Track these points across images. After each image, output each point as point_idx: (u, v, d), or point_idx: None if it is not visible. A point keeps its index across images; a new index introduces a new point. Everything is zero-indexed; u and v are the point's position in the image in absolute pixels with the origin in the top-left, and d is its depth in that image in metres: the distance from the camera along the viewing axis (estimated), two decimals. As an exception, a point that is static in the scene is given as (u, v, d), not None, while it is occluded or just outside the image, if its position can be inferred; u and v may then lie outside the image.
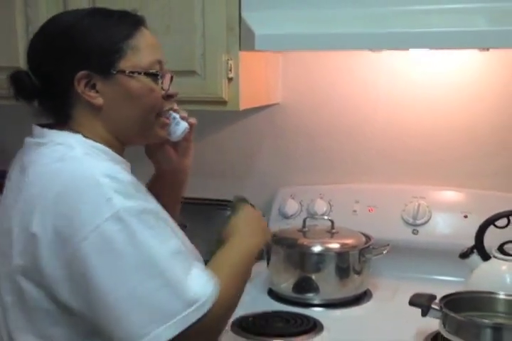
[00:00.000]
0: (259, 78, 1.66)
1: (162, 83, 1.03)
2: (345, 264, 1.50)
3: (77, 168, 0.92)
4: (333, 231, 1.55)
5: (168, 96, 1.05)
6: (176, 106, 1.10)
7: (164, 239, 0.91)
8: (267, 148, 1.83)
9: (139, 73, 0.99)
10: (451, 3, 1.34)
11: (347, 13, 1.34)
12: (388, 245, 1.54)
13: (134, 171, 1.05)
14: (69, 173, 0.92)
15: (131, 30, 1.00)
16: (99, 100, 0.99)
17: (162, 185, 1.19)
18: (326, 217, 1.59)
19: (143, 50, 1.00)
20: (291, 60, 1.76)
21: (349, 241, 1.53)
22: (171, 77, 1.05)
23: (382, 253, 1.52)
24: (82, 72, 0.97)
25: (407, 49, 1.51)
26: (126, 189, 0.91)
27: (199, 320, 0.89)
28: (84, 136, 1.00)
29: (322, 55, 1.72)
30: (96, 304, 0.87)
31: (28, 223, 0.91)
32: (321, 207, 1.71)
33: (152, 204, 0.98)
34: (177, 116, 1.10)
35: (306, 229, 1.57)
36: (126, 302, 0.86)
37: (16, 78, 1.01)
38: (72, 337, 0.93)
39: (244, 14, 1.43)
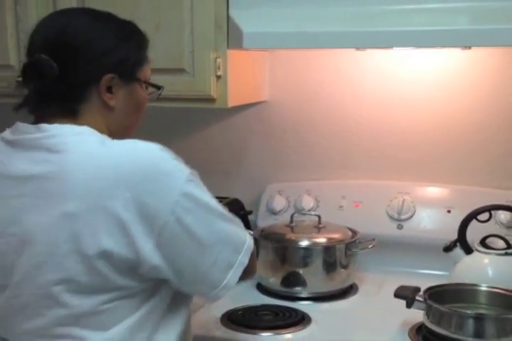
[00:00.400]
0: (246, 76, 1.68)
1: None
2: (331, 258, 1.53)
3: (130, 148, 0.98)
4: (320, 226, 1.58)
5: None
6: None
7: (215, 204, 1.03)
8: (255, 145, 1.86)
9: (149, 84, 1.11)
10: (434, 3, 1.37)
11: (333, 11, 1.37)
12: (374, 240, 1.57)
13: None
14: (128, 154, 0.97)
15: (144, 42, 1.11)
16: (113, 102, 1.06)
17: None
18: (313, 213, 1.62)
19: (150, 63, 1.11)
20: (278, 58, 1.79)
21: (336, 236, 1.56)
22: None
23: (368, 247, 1.55)
24: (108, 76, 1.03)
25: (391, 47, 1.54)
26: (173, 155, 0.99)
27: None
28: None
29: (309, 53, 1.75)
30: (191, 260, 0.99)
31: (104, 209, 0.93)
32: (308, 202, 1.74)
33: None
34: None
35: (294, 224, 1.60)
36: (218, 244, 1.00)
37: (36, 62, 1.01)
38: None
39: (232, 12, 1.45)
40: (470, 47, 1.56)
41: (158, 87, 1.13)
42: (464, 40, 1.37)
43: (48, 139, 0.99)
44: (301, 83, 1.79)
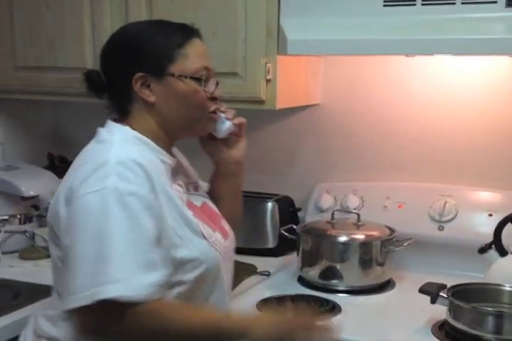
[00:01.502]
0: (297, 80, 1.78)
1: (206, 86, 1.18)
2: (368, 254, 1.60)
3: (102, 149, 1.13)
4: (360, 224, 1.66)
5: (212, 98, 1.20)
6: (223, 108, 1.25)
7: (136, 225, 1.03)
8: (306, 146, 1.96)
9: (185, 77, 1.15)
10: (477, 12, 1.42)
11: (373, 21, 1.45)
12: (411, 239, 1.63)
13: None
14: (93, 152, 1.14)
15: (183, 40, 1.16)
16: (152, 98, 1.16)
17: (217, 176, 1.34)
18: (353, 211, 1.70)
19: (191, 58, 1.16)
20: (331, 63, 1.88)
21: (373, 233, 1.63)
22: (217, 83, 1.21)
23: (403, 245, 1.61)
24: (139, 74, 1.14)
25: (432, 54, 1.60)
26: (127, 173, 1.06)
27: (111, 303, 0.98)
28: (133, 129, 1.17)
29: (360, 59, 1.83)
30: (67, 256, 1.06)
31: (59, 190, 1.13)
32: (353, 202, 1.82)
33: (145, 190, 1.07)
34: (223, 115, 1.25)
35: (335, 221, 1.69)
36: (76, 261, 1.03)
37: (88, 76, 1.20)
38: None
39: (282, 21, 1.57)
40: (517, 55, 1.59)
41: (198, 79, 1.16)
42: (502, 48, 1.42)
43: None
44: (352, 87, 1.87)
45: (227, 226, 1.30)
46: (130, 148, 1.13)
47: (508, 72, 1.69)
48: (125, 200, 1.03)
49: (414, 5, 1.43)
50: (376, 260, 1.61)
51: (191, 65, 1.16)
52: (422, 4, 1.43)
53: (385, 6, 1.46)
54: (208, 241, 1.18)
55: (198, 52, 1.18)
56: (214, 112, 1.22)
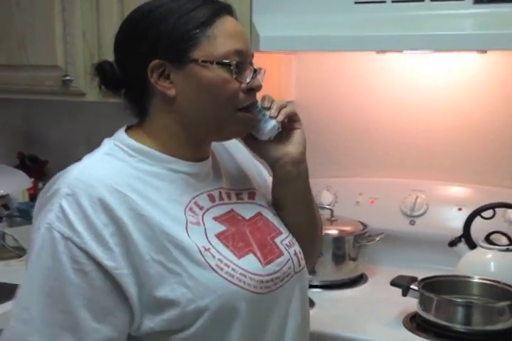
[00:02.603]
0: (270, 77, 1.78)
1: (240, 75, 0.94)
2: (341, 249, 1.62)
3: (70, 168, 0.93)
4: (333, 219, 1.68)
5: (249, 90, 0.96)
6: (267, 104, 1.00)
7: (57, 276, 0.85)
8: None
9: (212, 63, 0.92)
10: (447, 9, 1.44)
11: (345, 17, 1.47)
12: (382, 233, 1.65)
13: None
14: (65, 171, 0.94)
15: (210, 17, 0.93)
16: (172, 91, 0.92)
17: (275, 180, 1.07)
18: (327, 206, 1.72)
19: (219, 39, 0.92)
20: (304, 61, 1.89)
21: (346, 228, 1.65)
22: (254, 70, 0.97)
23: (375, 239, 1.64)
24: (154, 61, 0.92)
25: (402, 51, 1.62)
26: (68, 210, 0.87)
27: None
28: (148, 133, 0.96)
29: (332, 56, 1.85)
30: None
31: None
32: (327, 198, 1.84)
33: (84, 235, 0.86)
34: (267, 113, 0.99)
35: (308, 216, 1.70)
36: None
37: (100, 68, 0.98)
38: None
39: (254, 18, 1.57)
40: (486, 51, 1.62)
41: (228, 65, 0.92)
42: (470, 44, 1.44)
43: None
44: (326, 84, 1.89)
45: (284, 245, 1.02)
46: (104, 165, 0.93)
47: (476, 69, 1.72)
48: (55, 246, 0.86)
49: (385, 2, 1.45)
50: (349, 255, 1.63)
51: (219, 48, 0.92)
52: (392, 1, 1.45)
53: (356, 3, 1.47)
54: (218, 272, 0.91)
55: (228, 33, 0.94)
56: (249, 108, 0.97)
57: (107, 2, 1.72)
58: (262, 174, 1.13)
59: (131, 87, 0.97)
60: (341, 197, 1.84)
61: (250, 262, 0.94)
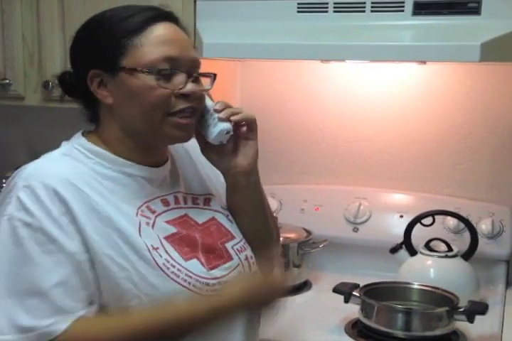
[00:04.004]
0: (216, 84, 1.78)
1: (169, 81, 0.96)
2: (285, 256, 1.62)
3: (27, 166, 0.98)
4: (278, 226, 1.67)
5: (182, 95, 0.97)
6: (218, 107, 1.01)
7: (24, 261, 0.89)
8: (225, 150, 1.96)
9: (137, 70, 0.95)
10: (387, 20, 1.47)
11: (285, 26, 1.47)
12: (326, 240, 1.66)
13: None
14: (22, 168, 0.98)
15: (140, 26, 0.96)
16: (109, 99, 0.98)
17: (227, 188, 1.10)
18: (271, 214, 1.72)
19: (147, 47, 0.96)
20: (249, 68, 1.90)
21: (290, 236, 1.66)
22: (190, 75, 0.98)
23: (319, 247, 1.65)
24: (92, 71, 0.97)
25: (344, 60, 1.65)
26: (27, 199, 0.91)
27: None
28: (100, 138, 1.01)
29: (277, 63, 1.85)
30: None
31: None
32: (272, 205, 1.81)
33: (44, 220, 0.91)
34: (215, 116, 1.00)
35: (253, 224, 1.70)
36: None
37: (59, 78, 1.06)
38: None
39: (198, 24, 1.57)
40: (425, 62, 1.66)
41: (150, 71, 0.95)
42: (409, 55, 1.46)
43: None
44: (270, 92, 1.90)
45: (235, 249, 1.05)
46: (60, 163, 0.98)
47: (416, 79, 1.76)
48: (18, 234, 0.90)
49: (327, 12, 1.47)
50: (293, 262, 1.63)
51: (145, 56, 0.95)
52: (334, 11, 1.47)
53: (299, 12, 1.49)
54: (164, 271, 0.95)
55: (159, 40, 0.96)
56: (185, 113, 0.97)
57: (48, 5, 1.69)
58: (219, 178, 1.14)
59: (84, 95, 1.02)
60: (286, 204, 1.84)
61: (194, 265, 0.99)
